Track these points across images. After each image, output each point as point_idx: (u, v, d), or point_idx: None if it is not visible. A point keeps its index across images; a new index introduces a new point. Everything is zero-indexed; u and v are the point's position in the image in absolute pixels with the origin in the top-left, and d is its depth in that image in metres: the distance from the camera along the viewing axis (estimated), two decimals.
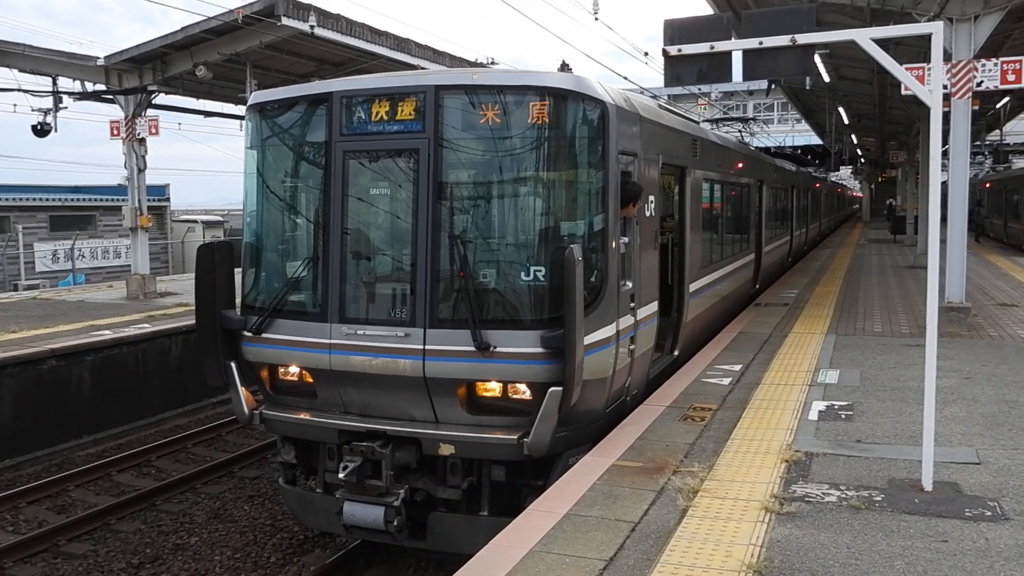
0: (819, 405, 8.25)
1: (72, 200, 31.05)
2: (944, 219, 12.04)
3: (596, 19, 16.94)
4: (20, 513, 10.12)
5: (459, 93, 7.05)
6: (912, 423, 7.47)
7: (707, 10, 15.18)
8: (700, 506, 5.66)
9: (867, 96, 26.04)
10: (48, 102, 18.56)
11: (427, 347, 6.94)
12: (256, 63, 17.38)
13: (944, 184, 11.41)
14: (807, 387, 9.00)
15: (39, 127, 18.59)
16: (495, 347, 6.73)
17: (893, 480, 6.13)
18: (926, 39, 5.83)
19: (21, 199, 29.11)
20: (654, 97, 16.20)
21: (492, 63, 22.55)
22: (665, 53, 6.34)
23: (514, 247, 7.13)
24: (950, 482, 6.05)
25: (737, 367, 9.98)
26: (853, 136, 42.22)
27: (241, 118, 20.15)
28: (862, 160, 58.33)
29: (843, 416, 7.86)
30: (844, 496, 5.80)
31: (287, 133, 7.88)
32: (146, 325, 14.83)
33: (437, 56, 19.04)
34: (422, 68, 16.63)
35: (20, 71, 18.44)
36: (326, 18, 15.63)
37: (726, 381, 9.28)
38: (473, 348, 6.75)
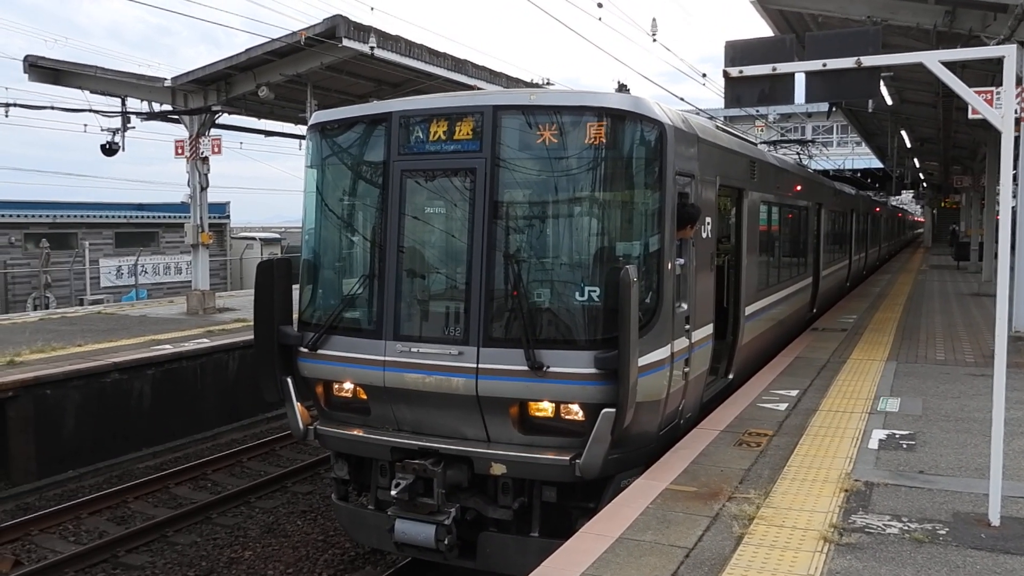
0: (879, 433, 8.04)
1: (136, 217, 31.93)
2: (1013, 246, 11.72)
3: (654, 40, 16.93)
4: (82, 524, 10.34)
5: (517, 113, 7.08)
6: (978, 455, 7.24)
7: (767, 32, 15.07)
8: (756, 534, 5.54)
9: (930, 119, 25.55)
10: (116, 122, 19.17)
11: (480, 366, 6.94)
12: (316, 84, 17.71)
13: (1013, 210, 11.11)
14: (867, 415, 8.78)
15: (107, 146, 19.17)
16: (548, 367, 6.71)
17: (958, 513, 5.94)
18: (995, 62, 5.70)
19: (88, 216, 30.01)
20: (711, 118, 16.09)
21: (548, 84, 22.64)
22: (726, 74, 6.29)
23: (569, 267, 7.11)
24: (1018, 518, 5.84)
25: (794, 392, 9.80)
26: (915, 160, 41.43)
27: (301, 137, 20.56)
28: (924, 184, 57.14)
29: (905, 446, 7.65)
30: (906, 528, 5.64)
31: (346, 152, 7.99)
32: (205, 340, 15.12)
33: (494, 77, 19.18)
34: (479, 89, 16.76)
35: (91, 92, 19.08)
36: (385, 39, 15.87)
37: (782, 406, 9.11)
38: (526, 367, 6.73)
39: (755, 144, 14.05)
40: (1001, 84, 5.85)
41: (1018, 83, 11.06)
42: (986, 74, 15.11)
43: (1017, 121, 11.08)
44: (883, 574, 4.93)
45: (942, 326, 15.97)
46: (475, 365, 6.96)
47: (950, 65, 5.87)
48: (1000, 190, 5.81)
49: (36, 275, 26.81)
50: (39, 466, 11.65)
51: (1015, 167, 10.29)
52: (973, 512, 5.93)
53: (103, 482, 11.89)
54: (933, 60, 5.74)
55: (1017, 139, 10.92)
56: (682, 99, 22.85)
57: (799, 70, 6.11)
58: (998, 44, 9.94)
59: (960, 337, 14.53)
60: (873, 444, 7.69)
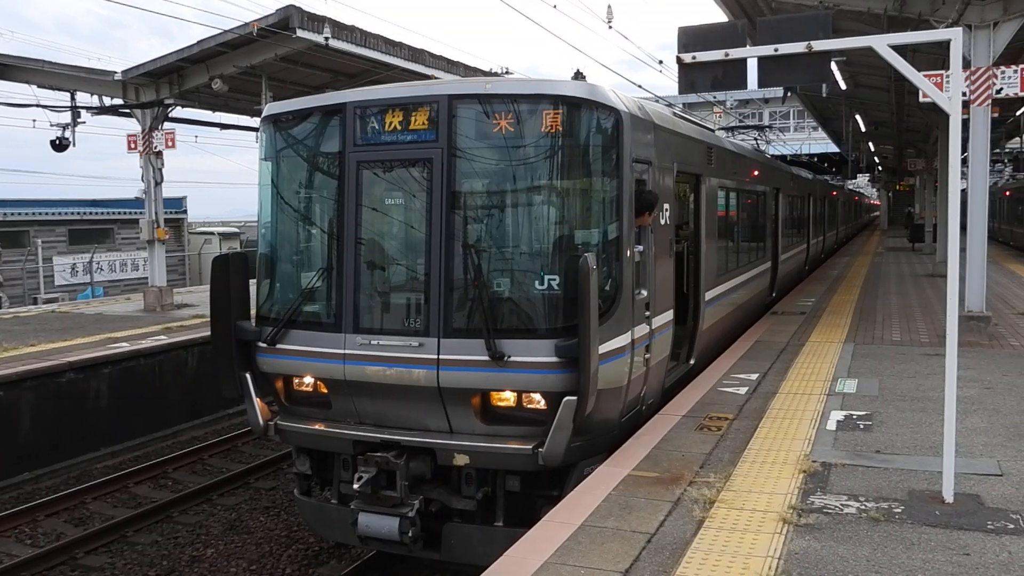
0: (837, 415, 8.16)
1: (90, 214, 31.31)
2: (964, 227, 11.95)
3: (610, 28, 16.95)
4: (39, 526, 10.15)
5: (472, 102, 7.04)
6: (932, 433, 7.37)
7: (721, 18, 15.15)
8: (717, 517, 5.59)
9: (884, 104, 25.91)
10: (66, 117, 18.76)
11: (441, 357, 6.92)
12: (271, 75, 17.47)
13: (964, 192, 11.30)
14: (825, 396, 8.91)
15: (57, 142, 18.76)
16: (509, 356, 6.70)
17: (913, 491, 6.04)
18: (944, 46, 5.79)
19: (40, 213, 29.38)
20: (669, 105, 16.16)
21: (506, 72, 22.54)
22: (679, 60, 6.30)
23: (528, 256, 7.10)
24: (971, 494, 5.96)
25: (754, 376, 9.90)
26: (870, 144, 42.03)
27: (257, 130, 20.27)
28: (879, 168, 58.05)
29: (862, 426, 7.77)
30: (863, 508, 5.72)
31: (301, 144, 7.89)
32: (163, 337, 14.90)
33: (451, 66, 19.08)
34: (436, 78, 16.66)
35: (39, 87, 18.63)
36: (341, 30, 15.69)
37: (743, 390, 9.20)
38: (487, 357, 6.72)
39: (713, 130, 14.13)
40: (949, 68, 5.93)
41: (965, 66, 11.25)
42: (936, 58, 15.35)
43: (965, 104, 11.28)
44: (841, 553, 5.00)
45: (898, 307, 16.25)
46: (436, 356, 6.93)
47: (900, 49, 5.94)
48: (949, 172, 5.89)
49: None
50: None
51: (963, 149, 10.46)
52: (928, 490, 6.04)
53: (60, 483, 11.67)
54: (882, 44, 5.80)
55: (965, 121, 11.11)
56: (640, 86, 22.93)
57: (751, 55, 6.14)
58: (946, 28, 10.09)
59: (915, 318, 14.79)
60: (831, 425, 7.80)
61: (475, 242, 7.01)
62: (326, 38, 15.23)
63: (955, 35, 5.73)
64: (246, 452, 13.06)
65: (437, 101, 7.06)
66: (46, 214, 29.57)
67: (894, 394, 9.00)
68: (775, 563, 4.87)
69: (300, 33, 15.00)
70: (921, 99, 11.29)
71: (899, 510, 5.68)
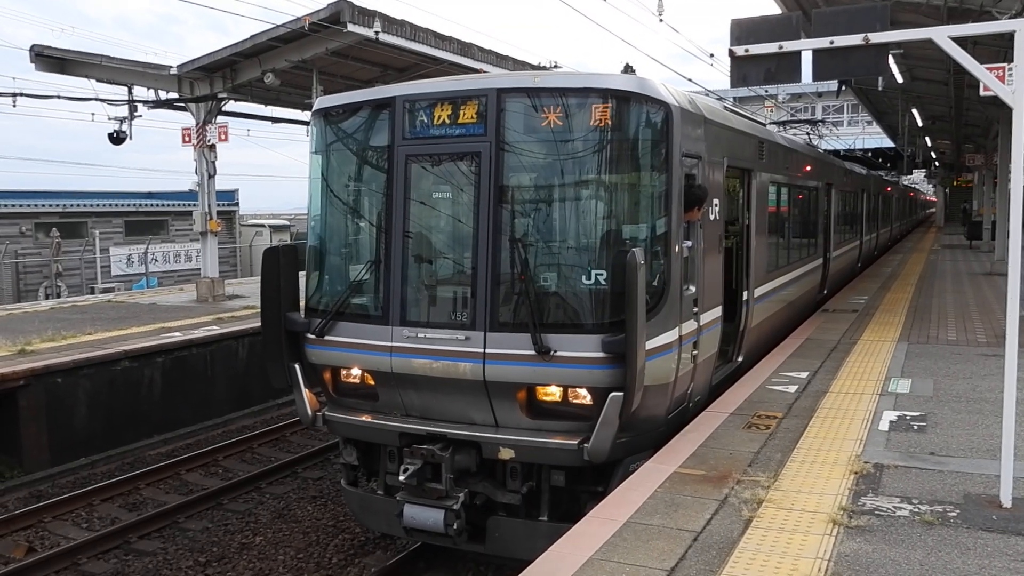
0: (890, 415, 7.99)
1: (146, 206, 31.99)
2: None
3: (660, 21, 16.76)
4: (94, 510, 10.40)
5: (521, 96, 7.02)
6: (989, 436, 7.19)
7: (774, 10, 14.91)
8: (765, 517, 5.52)
9: (942, 97, 25.30)
10: (124, 111, 19.15)
11: (487, 350, 6.92)
12: (322, 69, 17.64)
13: None
14: (877, 396, 8.73)
15: (115, 135, 19.16)
16: (555, 351, 6.68)
17: (969, 495, 5.89)
18: (1006, 38, 5.60)
19: (98, 205, 30.08)
20: (719, 99, 15.95)
21: (555, 66, 22.49)
22: (732, 53, 6.21)
23: (575, 251, 7.06)
24: None
25: (803, 374, 9.74)
26: (927, 139, 41.07)
27: (307, 124, 20.51)
28: (936, 163, 56.71)
29: (915, 427, 7.60)
30: (917, 510, 5.60)
31: (351, 137, 7.95)
32: (214, 327, 15.16)
33: (500, 60, 19.07)
34: (485, 72, 16.66)
35: (98, 81, 19.07)
36: (391, 24, 15.78)
37: (792, 389, 9.07)
38: (533, 352, 6.71)
39: (764, 125, 13.93)
40: (1012, 60, 5.76)
41: None
42: (997, 50, 14.92)
43: None
44: (893, 557, 4.90)
45: (954, 306, 15.85)
46: (482, 350, 6.94)
47: (961, 41, 5.78)
48: (1012, 168, 5.72)
49: (47, 264, 26.93)
50: (51, 454, 11.73)
51: None
52: (984, 494, 5.89)
53: (115, 469, 11.95)
54: (943, 36, 5.65)
55: None
56: (690, 80, 22.71)
57: (806, 48, 6.02)
58: (1009, 19, 9.78)
59: (972, 317, 14.42)
60: (883, 426, 7.64)
61: (522, 236, 6.99)
62: (376, 32, 15.33)
63: (1020, 26, 5.56)
64: (294, 442, 13.23)
65: (486, 95, 7.06)
66: (103, 206, 30.28)
67: (949, 395, 8.79)
68: (825, 565, 4.79)
69: (351, 27, 15.11)
70: (982, 92, 10.91)
71: (954, 514, 5.55)
